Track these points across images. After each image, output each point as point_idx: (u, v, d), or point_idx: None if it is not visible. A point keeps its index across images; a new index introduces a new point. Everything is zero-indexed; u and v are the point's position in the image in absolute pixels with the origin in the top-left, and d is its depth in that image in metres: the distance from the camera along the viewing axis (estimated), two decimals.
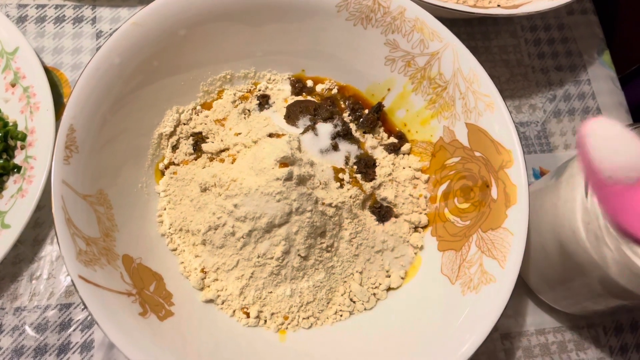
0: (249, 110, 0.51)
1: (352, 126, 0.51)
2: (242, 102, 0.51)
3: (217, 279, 0.44)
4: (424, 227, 0.48)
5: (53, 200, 0.37)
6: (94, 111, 0.40)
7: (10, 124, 0.51)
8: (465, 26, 0.64)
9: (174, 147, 0.49)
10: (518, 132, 0.45)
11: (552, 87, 0.63)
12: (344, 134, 0.49)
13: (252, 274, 0.44)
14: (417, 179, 0.50)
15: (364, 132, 0.51)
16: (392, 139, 0.51)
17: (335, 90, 0.53)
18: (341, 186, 0.46)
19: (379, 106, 0.51)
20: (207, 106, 0.51)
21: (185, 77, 0.48)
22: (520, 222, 0.41)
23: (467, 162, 0.46)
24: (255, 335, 0.43)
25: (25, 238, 0.49)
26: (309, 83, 0.53)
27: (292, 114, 0.50)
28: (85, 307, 0.35)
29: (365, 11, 0.47)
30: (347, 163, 0.48)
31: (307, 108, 0.50)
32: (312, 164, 0.45)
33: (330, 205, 0.44)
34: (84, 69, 0.40)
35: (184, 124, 0.49)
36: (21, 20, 0.58)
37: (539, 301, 0.51)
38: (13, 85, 0.52)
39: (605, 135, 0.31)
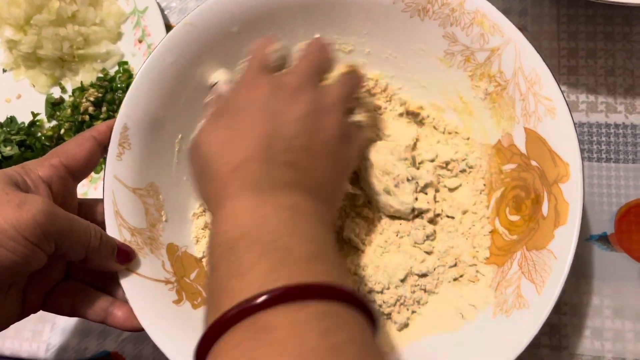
0: None
1: None
2: None
3: None
4: None
5: (104, 195, 0.41)
6: (146, 110, 0.43)
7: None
8: (604, 7, 0.52)
9: None
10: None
11: None
12: None
13: None
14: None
15: None
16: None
17: None
18: None
19: None
20: None
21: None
22: (566, 246, 0.37)
23: (523, 170, 0.42)
24: None
25: None
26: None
27: None
28: (124, 292, 0.39)
29: (422, 2, 0.44)
30: None
31: None
32: None
33: None
34: (140, 69, 0.43)
35: None
36: None
37: None
38: (140, 42, 0.59)
39: None
